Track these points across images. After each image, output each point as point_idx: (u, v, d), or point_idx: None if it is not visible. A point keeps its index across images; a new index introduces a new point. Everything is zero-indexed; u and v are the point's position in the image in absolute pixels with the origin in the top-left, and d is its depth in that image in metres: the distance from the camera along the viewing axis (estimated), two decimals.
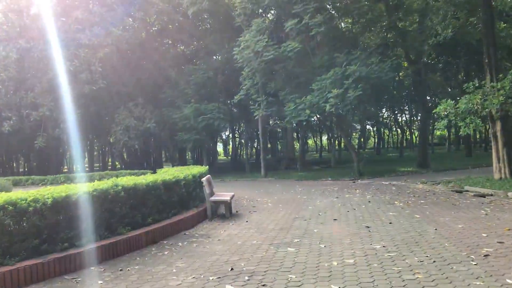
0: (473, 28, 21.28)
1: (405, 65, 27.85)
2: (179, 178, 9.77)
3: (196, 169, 12.20)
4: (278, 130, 39.47)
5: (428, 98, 32.41)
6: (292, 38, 22.42)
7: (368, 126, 58.10)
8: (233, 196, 11.25)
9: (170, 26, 32.59)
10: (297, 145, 43.21)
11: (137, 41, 29.23)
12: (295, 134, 41.65)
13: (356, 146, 55.76)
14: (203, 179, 10.68)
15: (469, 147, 33.33)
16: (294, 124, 26.30)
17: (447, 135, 53.88)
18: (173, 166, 28.72)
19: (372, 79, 19.23)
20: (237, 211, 11.44)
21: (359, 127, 51.41)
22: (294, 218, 9.96)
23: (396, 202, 11.68)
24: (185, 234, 8.70)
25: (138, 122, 27.56)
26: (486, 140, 46.50)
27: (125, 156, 37.90)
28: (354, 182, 19.80)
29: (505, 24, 22.89)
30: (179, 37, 33.28)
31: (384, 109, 47.47)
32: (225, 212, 10.62)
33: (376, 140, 58.89)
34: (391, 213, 9.91)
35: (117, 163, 40.85)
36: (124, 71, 29.17)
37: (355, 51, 20.70)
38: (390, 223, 8.72)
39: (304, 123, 23.05)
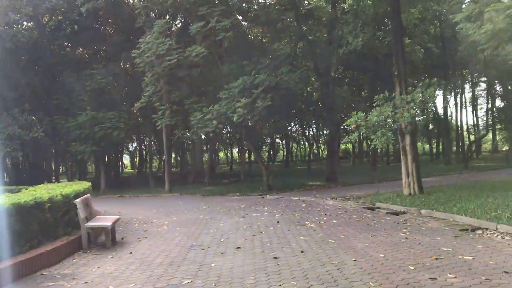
0: (380, 42, 21.36)
1: (314, 79, 27.59)
2: (42, 200, 7.62)
3: (72, 187, 10.01)
4: (188, 141, 37.58)
5: (335, 110, 32.48)
6: (199, 42, 20.86)
7: (277, 140, 58.19)
8: (117, 220, 9.28)
9: (65, 25, 29.38)
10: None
11: (28, 40, 25.87)
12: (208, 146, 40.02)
13: (266, 159, 55.38)
14: (77, 200, 8.60)
15: (374, 161, 33.95)
16: (203, 136, 24.72)
17: (351, 148, 55.47)
18: (70, 180, 25.70)
19: (282, 89, 18.29)
20: (122, 238, 9.48)
21: (269, 140, 51.04)
22: (190, 247, 8.27)
23: (307, 223, 10.46)
24: (42, 274, 6.64)
25: (23, 131, 24.16)
26: (388, 154, 48.46)
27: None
28: (262, 197, 18.59)
29: (409, 40, 23.36)
30: (75, 39, 30.15)
31: (293, 123, 47.62)
32: (105, 241, 8.62)
33: (285, 153, 59.03)
34: (302, 238, 8.61)
35: None
36: (10, 73, 25.52)
37: (264, 59, 19.66)
38: (302, 251, 7.37)
39: (211, 134, 21.49)
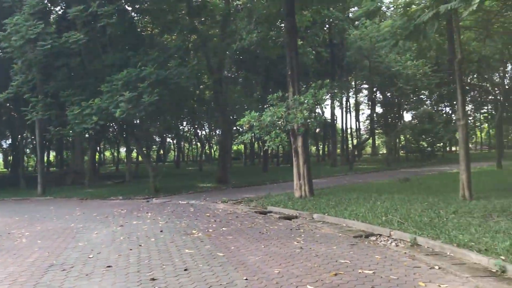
0: (273, 42, 21.08)
1: (206, 76, 26.60)
2: None
3: None
4: (68, 138, 34.14)
5: (228, 110, 31.90)
6: (79, 29, 18.65)
7: (168, 139, 56.29)
8: None
9: None
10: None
11: None
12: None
13: (155, 159, 53.16)
14: None
15: (266, 162, 33.96)
16: (86, 133, 22.35)
17: (243, 149, 55.63)
18: None
19: (171, 84, 16.96)
20: None
21: (159, 139, 49.02)
22: (48, 267, 6.74)
23: (194, 232, 9.39)
24: None
25: None
26: (278, 155, 49.31)
27: None
28: (148, 201, 17.08)
29: (302, 42, 23.48)
30: None
31: (185, 122, 46.27)
32: None
33: (176, 153, 57.27)
34: (187, 251, 7.53)
35: None
36: None
37: (153, 51, 18.15)
38: (186, 269, 6.29)
39: (91, 131, 19.39)
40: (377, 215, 9.88)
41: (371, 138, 49.58)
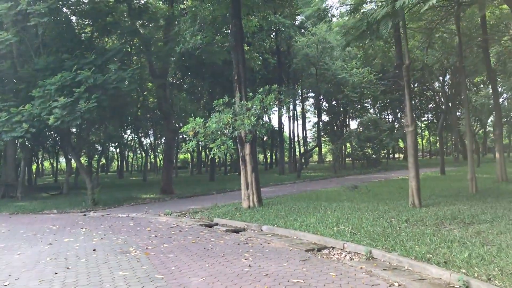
0: (219, 47, 20.42)
1: (150, 84, 25.44)
2: None
3: None
4: None
5: (172, 116, 30.85)
6: (9, 29, 17.13)
7: (111, 148, 53.96)
8: None
9: None
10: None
11: None
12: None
13: (97, 169, 50.75)
14: None
15: (213, 171, 33.05)
16: (18, 140, 20.62)
17: (190, 158, 54.33)
18: None
19: (110, 89, 15.83)
20: None
21: (100, 148, 46.77)
22: None
23: (132, 249, 8.47)
24: None
25: None
26: (225, 164, 48.56)
27: None
28: (85, 215, 15.83)
29: (248, 47, 22.98)
30: None
31: (129, 130, 44.51)
32: None
33: (119, 163, 55.04)
34: (121, 273, 6.64)
35: None
36: None
37: (89, 54, 16.94)
38: None
39: (21, 139, 17.85)
40: (328, 226, 9.42)
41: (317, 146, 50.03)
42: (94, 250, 8.60)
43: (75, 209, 17.47)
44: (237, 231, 10.30)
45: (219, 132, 12.39)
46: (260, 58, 25.95)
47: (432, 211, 10.78)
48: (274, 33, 31.53)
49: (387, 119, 52.05)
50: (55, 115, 15.15)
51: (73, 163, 32.34)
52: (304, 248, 7.92)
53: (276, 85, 13.32)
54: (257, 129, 13.27)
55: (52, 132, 23.09)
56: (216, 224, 11.54)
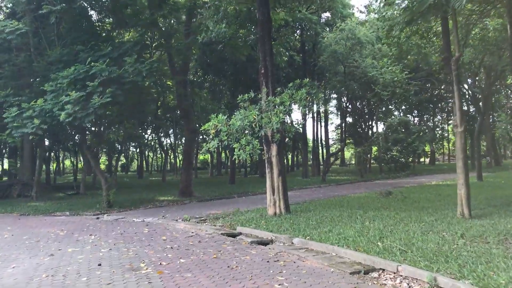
0: (243, 41, 19.20)
1: (170, 83, 24.32)
2: None
3: None
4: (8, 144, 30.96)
5: (193, 115, 29.76)
6: (19, 18, 16.25)
7: (132, 147, 53.37)
8: None
9: None
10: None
11: None
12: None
13: (116, 169, 50.12)
14: None
15: (233, 173, 31.73)
16: (33, 137, 19.78)
17: (210, 159, 53.30)
18: None
19: (126, 83, 14.74)
20: None
21: (120, 147, 46.12)
22: None
23: (142, 265, 7.24)
24: None
25: None
26: (246, 165, 47.28)
27: None
28: (98, 218, 14.78)
29: (274, 42, 21.68)
30: None
31: (149, 130, 43.74)
32: None
33: (139, 163, 54.34)
34: None
35: None
36: None
37: (105, 46, 15.87)
38: None
39: (32, 136, 16.95)
40: (371, 240, 8.07)
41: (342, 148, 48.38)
42: (99, 265, 7.39)
43: (89, 211, 16.45)
44: (264, 243, 9.00)
45: (244, 131, 11.12)
46: (287, 53, 24.62)
47: (488, 224, 9.34)
48: (299, 31, 30.21)
49: (412, 122, 50.03)
50: (67, 111, 14.12)
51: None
52: (348, 269, 6.57)
53: (307, 79, 11.96)
54: (286, 128, 12.00)
55: (68, 129, 22.23)
56: (240, 234, 10.27)
